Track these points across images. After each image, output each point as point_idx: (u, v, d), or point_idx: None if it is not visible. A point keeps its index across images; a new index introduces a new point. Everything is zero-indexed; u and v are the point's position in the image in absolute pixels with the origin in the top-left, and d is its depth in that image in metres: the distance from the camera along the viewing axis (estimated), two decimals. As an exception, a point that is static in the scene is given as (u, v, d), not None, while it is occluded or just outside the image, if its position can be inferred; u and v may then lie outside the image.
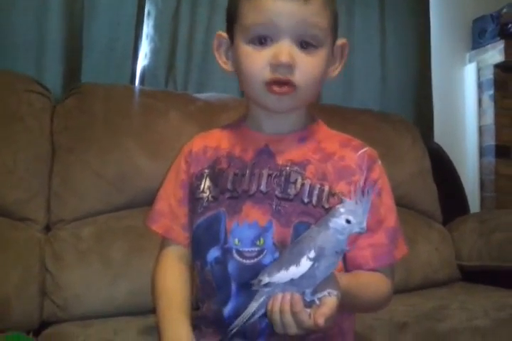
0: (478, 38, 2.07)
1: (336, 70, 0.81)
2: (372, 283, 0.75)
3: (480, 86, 2.05)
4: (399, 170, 1.52)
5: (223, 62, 0.81)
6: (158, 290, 0.80)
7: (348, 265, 0.76)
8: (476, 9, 2.07)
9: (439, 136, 1.89)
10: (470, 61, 2.09)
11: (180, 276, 0.80)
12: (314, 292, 0.61)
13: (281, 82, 0.71)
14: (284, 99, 0.73)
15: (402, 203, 1.49)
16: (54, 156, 1.23)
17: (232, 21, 0.77)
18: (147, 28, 1.57)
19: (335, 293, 0.61)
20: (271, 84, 0.72)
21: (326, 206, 0.73)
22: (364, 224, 0.62)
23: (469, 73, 2.08)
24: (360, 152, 0.78)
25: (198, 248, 0.78)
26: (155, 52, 1.57)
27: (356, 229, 0.62)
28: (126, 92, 1.37)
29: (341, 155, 0.77)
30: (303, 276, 0.60)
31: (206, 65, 1.59)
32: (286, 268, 0.60)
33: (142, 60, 1.57)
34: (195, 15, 1.59)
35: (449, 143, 1.85)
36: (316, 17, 0.72)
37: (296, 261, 0.60)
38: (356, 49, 1.82)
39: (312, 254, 0.60)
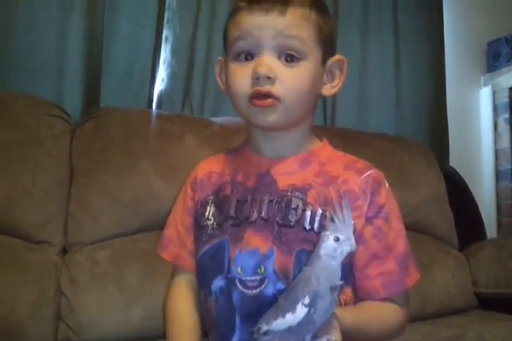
0: (492, 61, 2.07)
1: (334, 88, 0.78)
2: (382, 314, 0.74)
3: (495, 109, 2.04)
4: (414, 195, 1.51)
5: (223, 87, 0.80)
6: (169, 318, 0.79)
7: (359, 294, 0.75)
8: (490, 32, 2.08)
9: (455, 160, 1.88)
10: (485, 84, 2.09)
11: (190, 304, 0.79)
12: (315, 337, 0.60)
13: (262, 95, 0.70)
14: (268, 112, 0.71)
15: (417, 228, 1.48)
16: (72, 179, 1.25)
17: (224, 43, 0.78)
18: (164, 54, 1.60)
19: (333, 338, 0.60)
20: (252, 97, 0.71)
21: None
22: (353, 240, 0.62)
23: (484, 96, 2.08)
24: (364, 175, 0.75)
25: (203, 277, 0.77)
26: (172, 77, 1.60)
27: (347, 248, 0.61)
28: (143, 116, 1.39)
29: (345, 179, 0.74)
30: (300, 323, 0.59)
31: (222, 90, 1.61)
32: (283, 316, 0.59)
33: (159, 85, 1.60)
34: (211, 41, 1.62)
35: (465, 167, 1.85)
36: (294, 29, 0.71)
37: (291, 308, 0.59)
38: (370, 73, 1.84)
39: (307, 300, 0.59)
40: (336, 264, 0.61)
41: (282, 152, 0.77)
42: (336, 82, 0.78)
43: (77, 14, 1.46)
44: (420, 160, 1.62)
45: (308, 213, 0.71)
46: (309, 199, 0.72)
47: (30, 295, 1.08)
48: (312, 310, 0.58)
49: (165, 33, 1.60)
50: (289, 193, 0.73)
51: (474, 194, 1.73)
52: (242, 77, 0.72)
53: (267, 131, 0.76)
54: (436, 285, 1.40)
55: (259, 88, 0.70)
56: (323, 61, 0.76)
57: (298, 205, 0.72)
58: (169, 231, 0.84)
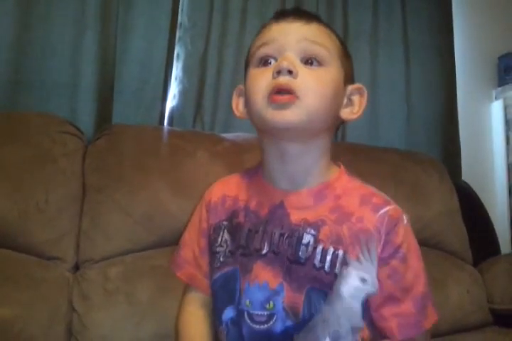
0: (504, 75, 2.06)
1: (354, 114, 0.76)
2: None
3: (507, 123, 2.02)
4: (426, 210, 1.50)
5: (235, 108, 0.80)
6: (182, 339, 0.79)
7: (379, 333, 0.72)
8: (501, 46, 2.07)
9: (467, 175, 1.87)
10: (496, 98, 2.08)
11: (203, 326, 0.79)
12: None
13: (282, 90, 0.68)
14: (286, 108, 0.68)
15: (430, 244, 1.47)
16: (84, 196, 1.26)
17: (246, 63, 0.77)
18: (176, 70, 1.62)
19: None
20: (272, 94, 0.69)
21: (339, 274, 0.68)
22: (376, 281, 0.60)
23: (496, 110, 2.07)
24: (380, 212, 0.71)
25: (214, 304, 0.76)
26: (183, 94, 1.62)
27: (371, 289, 0.59)
28: (155, 133, 1.40)
29: (360, 216, 0.71)
30: None
31: (233, 106, 1.62)
32: None
33: (171, 101, 1.61)
34: (222, 58, 1.64)
35: (477, 182, 1.82)
36: (318, 37, 0.72)
37: None
38: (381, 88, 1.84)
39: None
40: (357, 305, 0.59)
41: (296, 181, 0.74)
42: (356, 109, 0.76)
43: (90, 32, 1.48)
44: (433, 174, 1.61)
45: (319, 250, 0.69)
46: (321, 236, 0.70)
47: (42, 312, 1.08)
48: None
49: (177, 50, 1.62)
50: (301, 228, 0.71)
51: (487, 208, 1.71)
52: (263, 79, 0.71)
53: (281, 138, 0.72)
54: (451, 302, 1.38)
55: (280, 82, 0.68)
56: (344, 82, 0.75)
57: (309, 242, 0.70)
58: (185, 252, 0.84)
